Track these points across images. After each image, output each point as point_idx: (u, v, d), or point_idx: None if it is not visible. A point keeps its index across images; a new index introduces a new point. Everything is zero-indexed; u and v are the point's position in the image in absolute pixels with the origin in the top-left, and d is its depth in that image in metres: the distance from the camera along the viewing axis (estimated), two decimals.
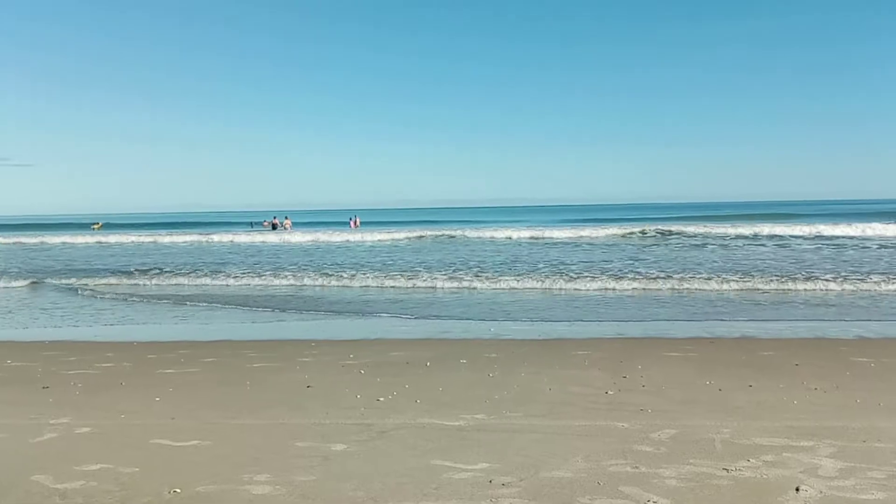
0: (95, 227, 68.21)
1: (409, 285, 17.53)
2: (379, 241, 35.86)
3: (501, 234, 37.76)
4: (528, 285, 16.85)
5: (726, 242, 30.27)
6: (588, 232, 37.32)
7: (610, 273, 18.53)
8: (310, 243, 35.07)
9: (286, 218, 51.31)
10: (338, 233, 39.49)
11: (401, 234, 37.86)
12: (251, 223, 62.71)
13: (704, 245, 29.10)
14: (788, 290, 15.54)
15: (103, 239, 42.88)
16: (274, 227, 49.48)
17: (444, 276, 18.46)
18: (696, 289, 15.88)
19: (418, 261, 24.11)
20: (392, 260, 25.07)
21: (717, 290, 15.60)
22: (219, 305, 14.72)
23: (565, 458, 4.85)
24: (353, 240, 36.08)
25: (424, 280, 18.01)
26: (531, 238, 35.59)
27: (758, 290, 15.57)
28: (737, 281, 16.48)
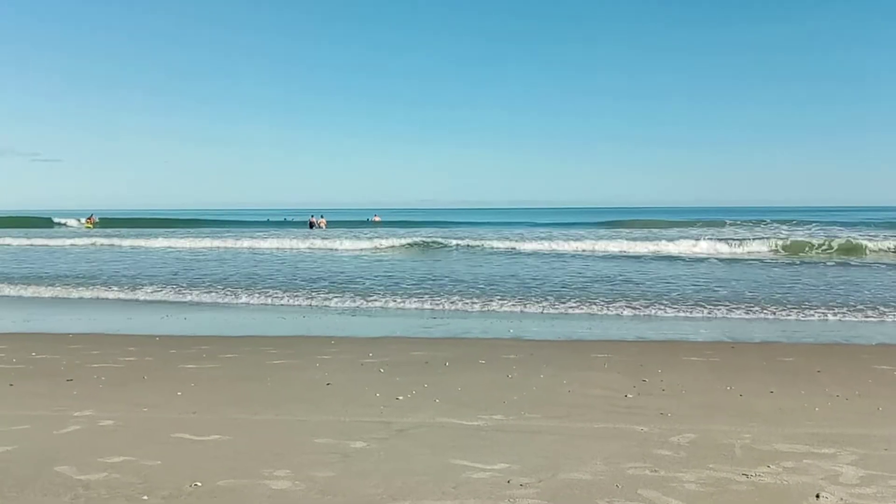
0: (87, 222, 59.66)
1: None
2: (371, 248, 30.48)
3: (556, 245, 28.92)
4: None
5: None
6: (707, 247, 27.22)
7: None
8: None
9: (321, 217, 52.20)
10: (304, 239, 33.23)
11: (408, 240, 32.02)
12: (285, 218, 64.02)
13: None
14: None
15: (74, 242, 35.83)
16: (311, 225, 50.28)
17: None
18: None
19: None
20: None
21: None
22: None
23: (584, 460, 4.85)
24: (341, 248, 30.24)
25: None
26: (599, 252, 26.80)
27: None
28: None
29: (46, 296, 15.94)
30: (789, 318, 12.10)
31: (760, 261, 23.51)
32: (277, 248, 30.48)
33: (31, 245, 34.41)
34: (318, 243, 31.31)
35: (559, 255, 25.94)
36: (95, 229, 53.50)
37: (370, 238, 33.05)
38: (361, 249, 29.72)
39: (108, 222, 60.41)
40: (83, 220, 61.10)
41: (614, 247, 28.17)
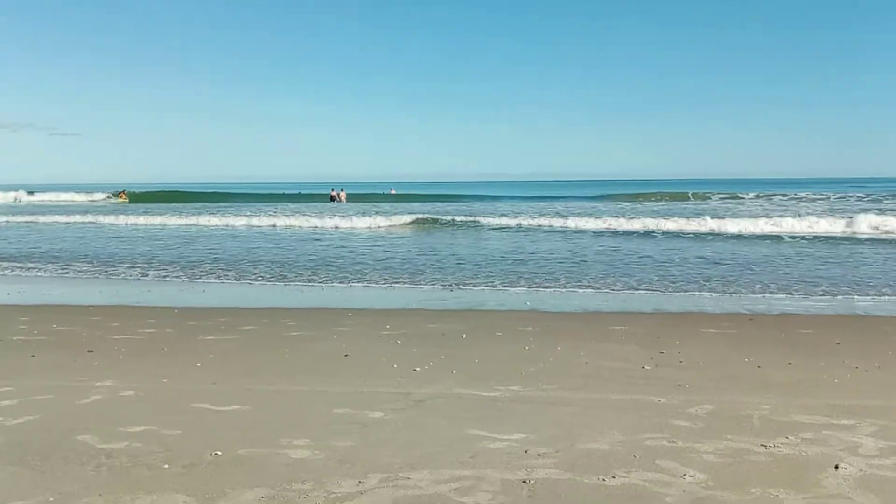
0: (121, 197, 58.45)
1: None
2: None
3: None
4: None
5: None
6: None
7: None
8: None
9: (342, 190, 52.63)
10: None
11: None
12: (300, 192, 64.89)
13: None
14: None
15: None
16: (332, 199, 50.78)
17: None
18: None
19: None
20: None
21: None
22: None
23: (601, 430, 4.86)
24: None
25: None
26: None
27: None
28: None
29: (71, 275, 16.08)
30: None
31: None
32: (297, 226, 29.11)
33: (68, 223, 32.44)
34: (339, 222, 29.51)
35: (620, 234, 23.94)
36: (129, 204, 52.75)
37: (389, 214, 31.47)
38: (376, 227, 28.61)
39: (135, 197, 59.70)
40: (116, 195, 59.96)
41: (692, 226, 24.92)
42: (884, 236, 21.89)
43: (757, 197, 44.53)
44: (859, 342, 7.80)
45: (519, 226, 27.34)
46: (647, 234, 23.62)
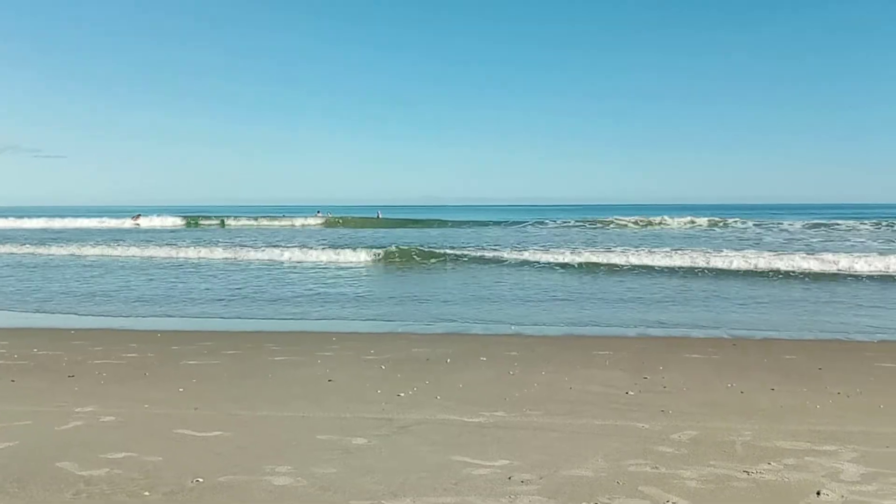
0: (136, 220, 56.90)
1: None
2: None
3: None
4: None
5: None
6: None
7: None
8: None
9: (322, 213, 55.30)
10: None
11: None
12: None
13: None
14: None
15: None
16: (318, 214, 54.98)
17: None
18: None
19: None
20: None
21: None
22: None
23: (585, 456, 4.85)
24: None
25: None
26: None
27: None
28: None
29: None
30: None
31: None
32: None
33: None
34: (323, 255, 25.39)
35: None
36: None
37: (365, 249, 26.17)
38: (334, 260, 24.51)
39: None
40: (133, 219, 57.61)
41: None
42: None
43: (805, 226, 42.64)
44: (841, 368, 7.85)
45: (466, 256, 24.35)
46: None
